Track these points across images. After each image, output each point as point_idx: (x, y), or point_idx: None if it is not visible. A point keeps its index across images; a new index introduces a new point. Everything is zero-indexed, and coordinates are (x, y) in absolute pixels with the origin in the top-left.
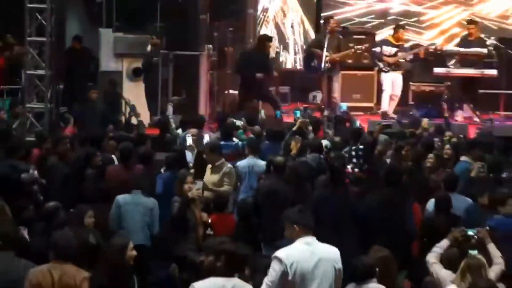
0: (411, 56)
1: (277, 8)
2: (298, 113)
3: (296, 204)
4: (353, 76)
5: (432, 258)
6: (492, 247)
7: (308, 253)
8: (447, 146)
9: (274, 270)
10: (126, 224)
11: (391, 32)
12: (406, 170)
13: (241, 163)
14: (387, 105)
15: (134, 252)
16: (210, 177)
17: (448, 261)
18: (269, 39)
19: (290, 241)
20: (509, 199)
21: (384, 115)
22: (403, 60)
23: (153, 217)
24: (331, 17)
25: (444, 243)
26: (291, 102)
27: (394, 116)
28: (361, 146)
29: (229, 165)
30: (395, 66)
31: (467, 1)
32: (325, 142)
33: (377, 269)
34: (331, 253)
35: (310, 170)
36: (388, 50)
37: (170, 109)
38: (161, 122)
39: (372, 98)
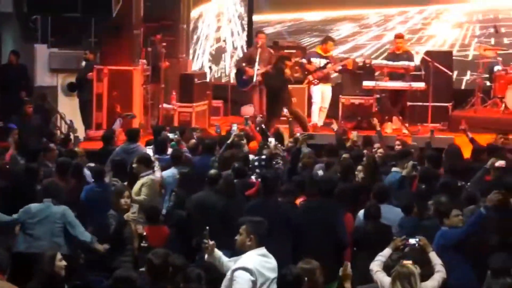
0: (339, 67)
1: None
2: (235, 127)
3: (229, 215)
4: None
5: (376, 266)
6: (433, 255)
7: (267, 264)
8: (364, 159)
9: (245, 280)
10: (35, 232)
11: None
12: (338, 180)
13: (166, 173)
14: (317, 117)
15: (64, 262)
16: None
17: (386, 270)
18: (285, 59)
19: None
20: (453, 210)
21: (315, 127)
22: (332, 71)
23: (68, 222)
24: (262, 31)
25: (387, 252)
26: (223, 116)
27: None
28: (263, 157)
29: (151, 176)
30: (324, 79)
31: (417, 41)
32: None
33: (305, 279)
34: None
35: None
36: (317, 62)
37: (117, 123)
38: (104, 136)
39: (303, 111)
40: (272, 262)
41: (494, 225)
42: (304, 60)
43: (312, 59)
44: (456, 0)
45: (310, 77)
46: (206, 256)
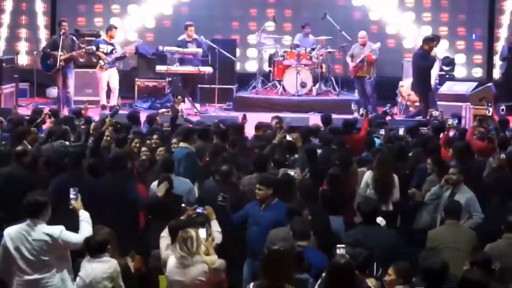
0: (117, 55)
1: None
2: None
3: (33, 188)
4: (85, 73)
5: (164, 233)
6: (214, 223)
7: (26, 234)
8: (155, 136)
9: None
10: None
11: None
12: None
13: None
14: (105, 98)
15: None
16: None
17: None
18: (430, 39)
19: None
20: None
21: (104, 107)
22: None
23: None
24: (64, 20)
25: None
26: (30, 97)
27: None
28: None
29: None
30: (111, 63)
31: None
32: None
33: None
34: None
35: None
36: (105, 48)
37: None
38: None
39: (98, 94)
40: (32, 234)
41: None
42: (93, 47)
43: (100, 45)
44: None
45: (101, 62)
46: None
